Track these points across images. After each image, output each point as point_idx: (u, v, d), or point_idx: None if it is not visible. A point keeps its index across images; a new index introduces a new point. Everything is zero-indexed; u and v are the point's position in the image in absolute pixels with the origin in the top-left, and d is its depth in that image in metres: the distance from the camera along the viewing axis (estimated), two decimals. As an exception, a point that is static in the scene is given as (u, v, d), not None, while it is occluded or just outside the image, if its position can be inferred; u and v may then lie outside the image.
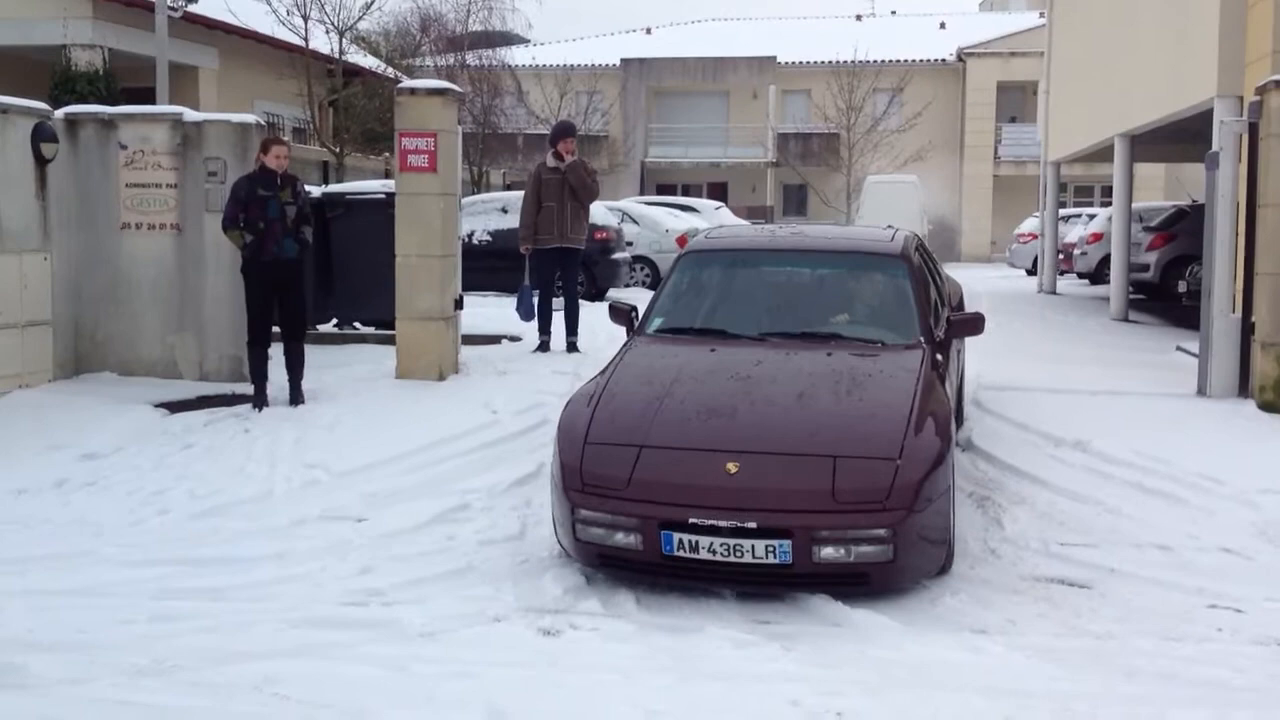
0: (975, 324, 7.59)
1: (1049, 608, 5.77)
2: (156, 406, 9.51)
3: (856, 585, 5.67)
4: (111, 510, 7.36)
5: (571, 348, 11.68)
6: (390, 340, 10.82)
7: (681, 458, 5.92)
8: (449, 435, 8.66)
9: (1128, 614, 5.67)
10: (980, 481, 7.92)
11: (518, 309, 11.76)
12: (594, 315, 11.85)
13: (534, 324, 11.86)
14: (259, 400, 9.47)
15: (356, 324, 13.11)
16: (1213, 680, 4.89)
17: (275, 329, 9.63)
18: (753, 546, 5.54)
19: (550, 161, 11.73)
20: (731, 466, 5.76)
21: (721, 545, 5.57)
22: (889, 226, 8.93)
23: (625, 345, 7.33)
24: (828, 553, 5.55)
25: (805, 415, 6.12)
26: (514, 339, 12.57)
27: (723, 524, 5.55)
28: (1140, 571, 6.26)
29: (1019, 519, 7.11)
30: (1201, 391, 10.44)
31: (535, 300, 11.78)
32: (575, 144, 11.92)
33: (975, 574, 6.23)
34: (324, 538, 6.82)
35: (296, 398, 9.54)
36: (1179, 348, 13.36)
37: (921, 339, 7.06)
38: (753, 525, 5.53)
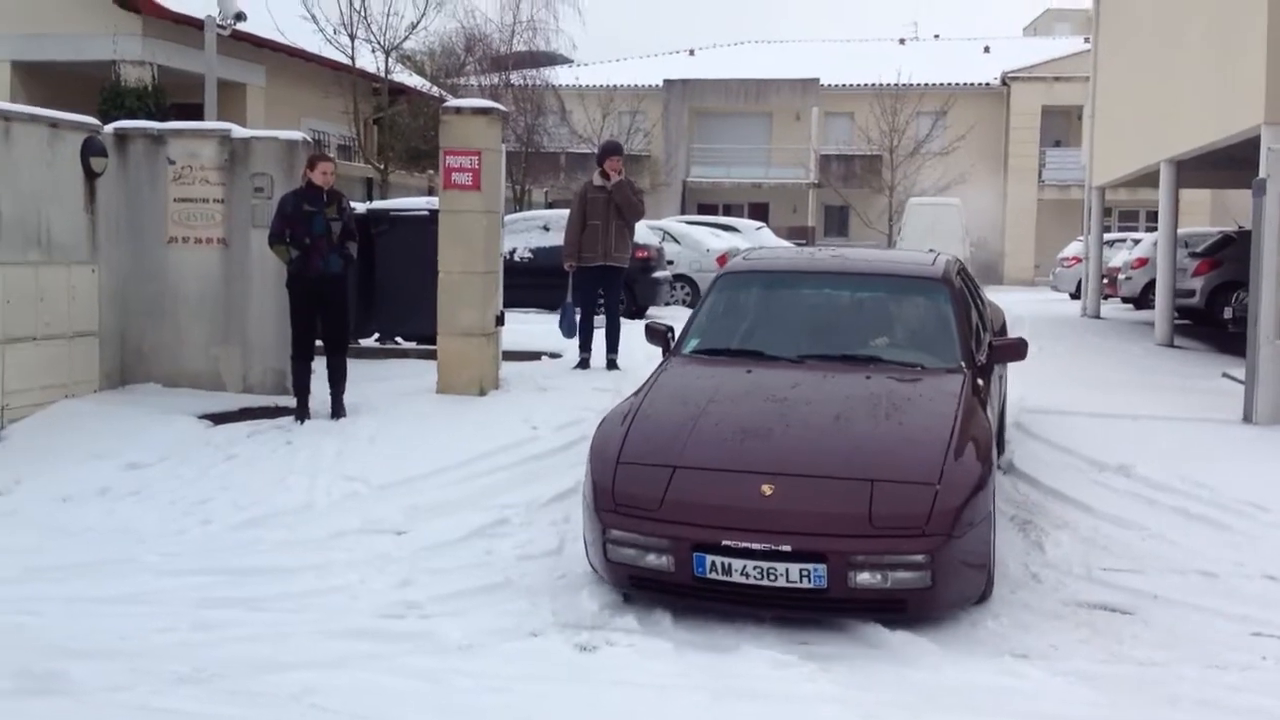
0: (1018, 349, 7.46)
1: (1091, 633, 5.72)
2: (200, 418, 9.59)
3: (893, 612, 5.57)
4: (154, 519, 7.42)
5: (611, 365, 11.70)
6: (431, 355, 10.87)
7: (715, 479, 5.83)
8: (489, 450, 8.68)
9: (1171, 641, 5.61)
10: (1022, 505, 7.86)
11: (560, 325, 11.89)
12: (635, 333, 11.85)
13: (575, 341, 11.90)
14: (301, 413, 9.53)
15: (398, 339, 13.17)
16: (1256, 709, 4.82)
17: (318, 343, 9.69)
18: (787, 570, 5.45)
19: (597, 180, 11.78)
20: (766, 489, 5.68)
21: (755, 568, 5.48)
22: (930, 250, 8.89)
23: (661, 365, 7.28)
24: (864, 578, 5.45)
25: (842, 438, 6.03)
26: (554, 355, 12.59)
27: (757, 547, 5.47)
28: (1184, 598, 6.18)
29: (1061, 543, 7.05)
30: (1247, 418, 10.33)
31: (577, 317, 11.87)
32: (622, 163, 11.93)
33: (1016, 598, 6.17)
34: (363, 550, 6.84)
35: (338, 411, 9.60)
36: (1225, 374, 13.22)
37: (963, 363, 6.96)
38: (787, 548, 5.45)
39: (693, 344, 7.46)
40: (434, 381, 10.48)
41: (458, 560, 6.68)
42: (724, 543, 5.50)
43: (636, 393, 6.83)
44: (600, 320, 11.99)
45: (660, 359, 7.54)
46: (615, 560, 5.82)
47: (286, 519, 7.44)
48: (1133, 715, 4.73)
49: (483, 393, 10.33)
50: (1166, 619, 5.91)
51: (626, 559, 5.78)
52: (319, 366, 9.67)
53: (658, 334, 7.60)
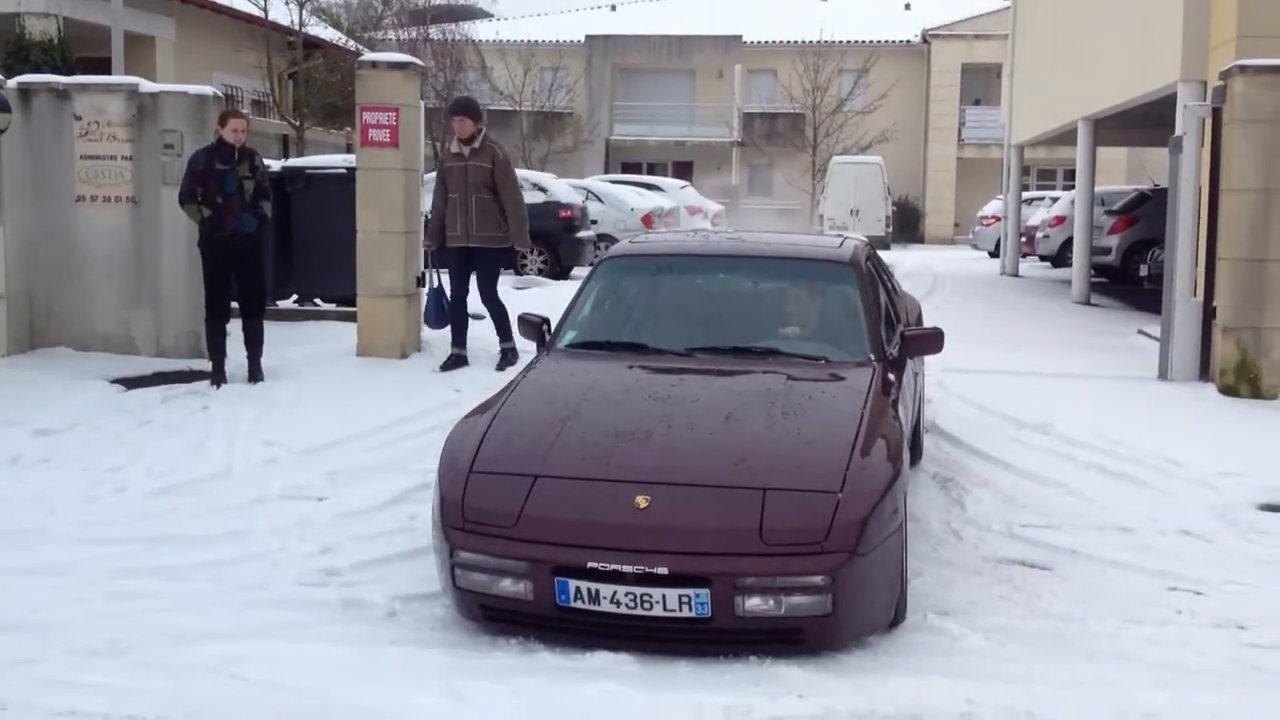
0: (934, 340, 6.70)
1: (1010, 589, 5.78)
2: (113, 382, 9.40)
3: (788, 643, 4.86)
4: (66, 487, 7.25)
5: (507, 357, 10.11)
6: (351, 317, 10.73)
7: (583, 490, 5.04)
8: (411, 414, 8.60)
9: (1088, 596, 5.69)
10: (943, 463, 7.93)
11: (425, 316, 10.32)
12: (560, 295, 11.72)
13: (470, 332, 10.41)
14: (217, 377, 9.36)
15: (317, 300, 12.99)
16: (1173, 662, 4.90)
17: (234, 305, 9.52)
18: (664, 597, 4.70)
19: (454, 146, 10.04)
20: (641, 500, 4.90)
21: (627, 595, 4.72)
22: (838, 234, 8.33)
23: (532, 361, 6.52)
24: (754, 604, 4.71)
25: (732, 441, 5.27)
26: (478, 317, 12.48)
27: (628, 569, 4.70)
28: (1101, 554, 6.28)
29: (981, 501, 7.12)
30: (1163, 375, 10.50)
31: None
32: (473, 124, 9.91)
33: (937, 555, 6.23)
34: (283, 517, 6.74)
35: (256, 375, 9.45)
36: (1140, 331, 13.44)
37: (872, 356, 6.20)
38: (663, 571, 4.69)
39: (569, 336, 6.63)
40: (354, 344, 10.35)
41: (380, 526, 6.60)
42: (590, 565, 4.74)
43: (500, 392, 6.06)
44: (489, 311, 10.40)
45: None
46: (464, 587, 5.01)
47: (204, 486, 7.30)
48: (1051, 669, 4.78)
49: (404, 355, 10.22)
50: (1084, 574, 5.99)
51: (477, 585, 4.98)
52: (235, 329, 9.49)
53: (532, 325, 6.71)
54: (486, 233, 9.91)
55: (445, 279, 10.29)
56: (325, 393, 9.06)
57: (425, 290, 10.31)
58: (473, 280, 10.14)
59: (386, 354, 10.14)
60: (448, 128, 10.05)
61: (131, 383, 9.45)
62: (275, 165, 12.30)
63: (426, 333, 10.67)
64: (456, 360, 10.07)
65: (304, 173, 12.75)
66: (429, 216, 10.40)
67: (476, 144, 9.85)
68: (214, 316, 9.43)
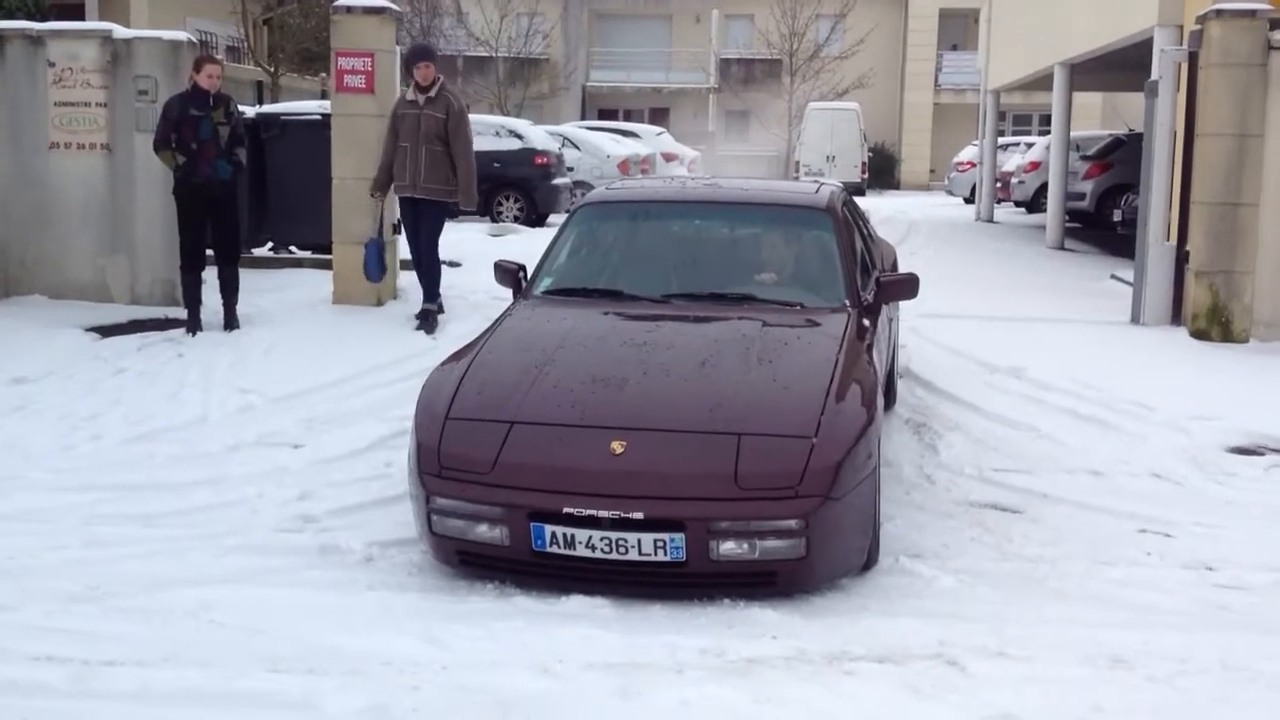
0: (909, 286, 6.62)
1: (982, 532, 5.85)
2: (88, 330, 9.36)
3: (761, 586, 4.91)
4: (42, 435, 7.24)
5: (426, 318, 9.72)
6: (327, 264, 10.68)
7: (558, 435, 5.04)
8: (387, 361, 8.61)
9: (1059, 538, 5.76)
10: (916, 408, 7.98)
11: (365, 270, 9.83)
12: (538, 241, 11.67)
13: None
14: (193, 325, 9.33)
15: (292, 248, 12.91)
16: (1142, 603, 4.98)
17: (209, 252, 9.47)
18: (639, 541, 4.73)
19: (409, 94, 9.61)
20: (617, 446, 4.92)
21: (602, 540, 4.75)
22: (815, 181, 8.32)
23: (508, 308, 6.46)
24: (728, 548, 4.75)
25: (707, 386, 5.28)
26: (453, 264, 12.45)
27: (603, 514, 4.74)
28: (1072, 497, 6.36)
29: (954, 445, 7.19)
30: (1135, 319, 10.57)
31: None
32: (433, 70, 9.55)
33: (910, 499, 6.29)
34: (260, 464, 6.75)
35: (231, 322, 9.42)
36: (1113, 276, 13.51)
37: (847, 302, 6.20)
38: (639, 516, 4.73)
39: (545, 283, 6.61)
40: (330, 292, 10.31)
41: (357, 473, 6.62)
42: (565, 510, 4.77)
43: (477, 339, 6.07)
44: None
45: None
46: (440, 533, 5.05)
47: (180, 433, 7.31)
48: (1022, 610, 4.85)
49: (380, 303, 10.20)
50: (1055, 517, 6.07)
51: (453, 531, 5.01)
52: (210, 277, 9.45)
53: (508, 273, 6.67)
54: (435, 184, 9.55)
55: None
56: (301, 340, 9.04)
57: (368, 243, 9.82)
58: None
59: (362, 301, 10.12)
60: (405, 75, 9.78)
61: (107, 330, 9.41)
62: (250, 112, 12.19)
63: (402, 279, 10.64)
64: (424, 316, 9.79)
65: (279, 119, 12.63)
66: None
67: (433, 93, 9.49)
68: (189, 264, 9.38)
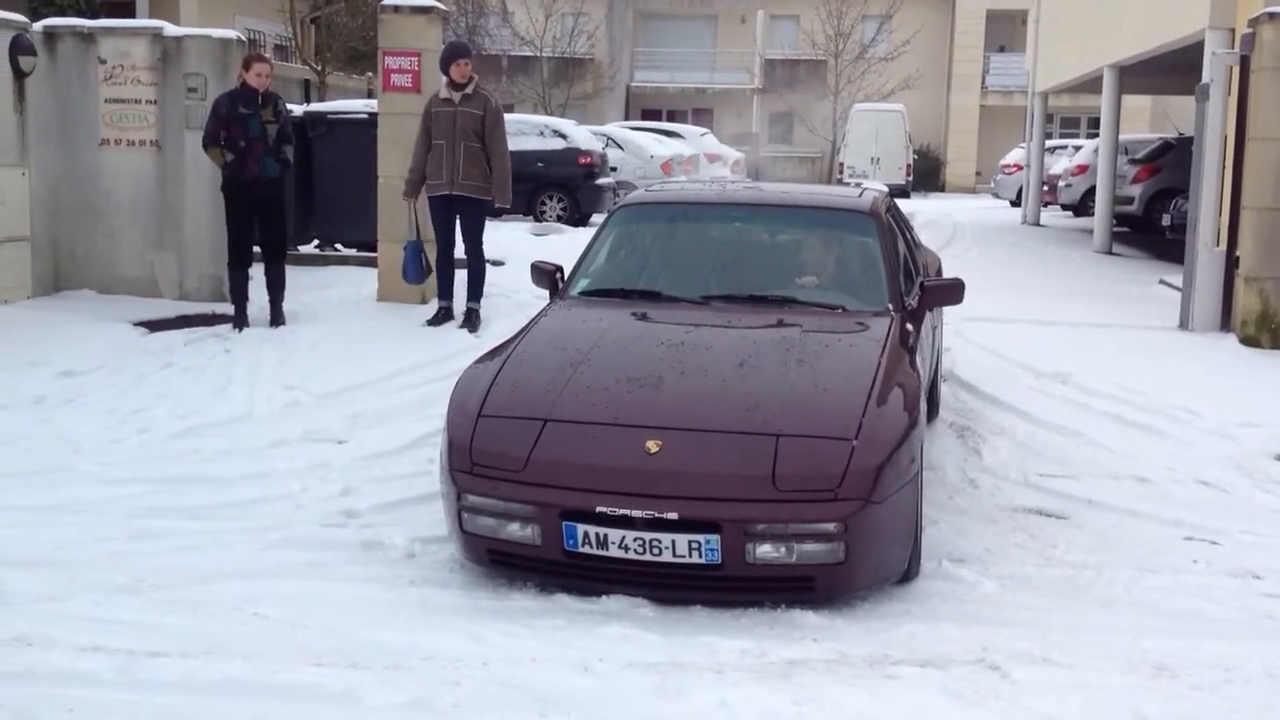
0: (953, 291, 6.57)
1: (1026, 538, 5.80)
2: (136, 325, 9.45)
3: (798, 592, 4.81)
4: (90, 428, 7.32)
5: (470, 318, 9.68)
6: (372, 262, 10.75)
7: (593, 434, 4.97)
8: (430, 358, 8.64)
9: (1104, 545, 5.71)
10: (960, 411, 7.94)
11: (404, 272, 9.72)
12: (577, 241, 11.69)
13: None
14: (239, 320, 9.41)
15: (338, 245, 13.01)
16: (1188, 611, 4.93)
17: (256, 249, 9.55)
18: (673, 543, 4.64)
19: (443, 92, 9.52)
20: (652, 445, 4.83)
21: (635, 541, 4.67)
22: (858, 185, 8.23)
23: (544, 308, 6.42)
24: (764, 551, 4.65)
25: (745, 387, 5.20)
26: (497, 263, 12.49)
27: (637, 514, 4.65)
28: (1118, 503, 6.29)
29: (998, 449, 7.13)
30: (1184, 325, 10.47)
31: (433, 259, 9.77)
32: (470, 67, 9.52)
33: (953, 504, 6.25)
34: (304, 459, 6.80)
35: (277, 318, 9.49)
36: (1162, 281, 13.38)
37: (890, 306, 6.11)
38: (673, 516, 4.63)
39: (582, 284, 6.54)
40: (375, 289, 10.37)
41: (399, 469, 6.65)
42: (598, 510, 4.69)
43: (512, 338, 6.00)
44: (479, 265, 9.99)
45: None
46: (471, 531, 4.98)
47: (226, 428, 7.36)
48: (1065, 616, 4.81)
49: (424, 301, 10.24)
50: (1100, 524, 6.01)
51: (484, 529, 4.94)
52: (257, 273, 9.54)
53: (544, 274, 6.66)
54: (473, 181, 9.47)
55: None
56: (345, 337, 9.10)
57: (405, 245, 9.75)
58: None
59: (406, 299, 10.16)
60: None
61: (155, 325, 9.51)
62: (297, 110, 12.29)
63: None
64: (442, 314, 9.73)
65: (326, 118, 12.74)
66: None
67: (469, 89, 9.45)
68: (236, 260, 9.48)
